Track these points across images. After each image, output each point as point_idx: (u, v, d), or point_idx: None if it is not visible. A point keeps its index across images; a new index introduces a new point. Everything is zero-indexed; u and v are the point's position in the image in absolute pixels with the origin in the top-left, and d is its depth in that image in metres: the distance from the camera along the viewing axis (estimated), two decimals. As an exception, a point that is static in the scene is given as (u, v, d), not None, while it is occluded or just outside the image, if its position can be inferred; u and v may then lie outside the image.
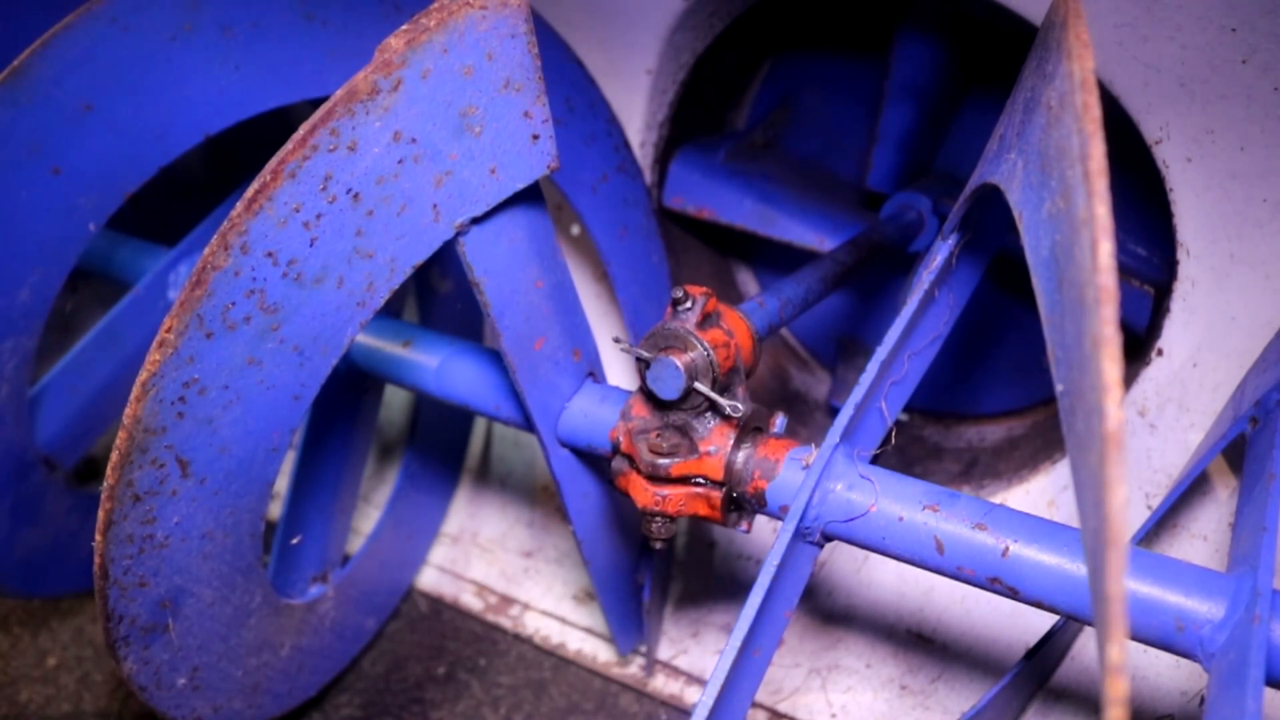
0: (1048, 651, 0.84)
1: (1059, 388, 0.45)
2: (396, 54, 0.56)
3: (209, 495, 0.65)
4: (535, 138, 0.65)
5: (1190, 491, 0.87)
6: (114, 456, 0.59)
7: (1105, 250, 0.39)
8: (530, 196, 0.69)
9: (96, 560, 0.61)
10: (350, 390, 0.97)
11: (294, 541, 0.95)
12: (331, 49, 0.82)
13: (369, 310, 0.65)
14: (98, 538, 0.61)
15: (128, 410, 0.58)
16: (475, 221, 0.65)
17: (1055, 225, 0.46)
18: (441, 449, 1.18)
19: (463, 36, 0.58)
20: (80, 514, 0.98)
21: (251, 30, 0.80)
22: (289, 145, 0.56)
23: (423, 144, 0.60)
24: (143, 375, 0.58)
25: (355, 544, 1.11)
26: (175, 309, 0.57)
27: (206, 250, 0.56)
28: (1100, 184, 0.41)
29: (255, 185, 0.56)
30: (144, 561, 0.63)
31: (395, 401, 1.23)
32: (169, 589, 0.66)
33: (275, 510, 1.01)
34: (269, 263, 0.58)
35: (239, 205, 0.56)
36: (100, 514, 0.60)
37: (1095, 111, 0.43)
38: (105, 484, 0.60)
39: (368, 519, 1.20)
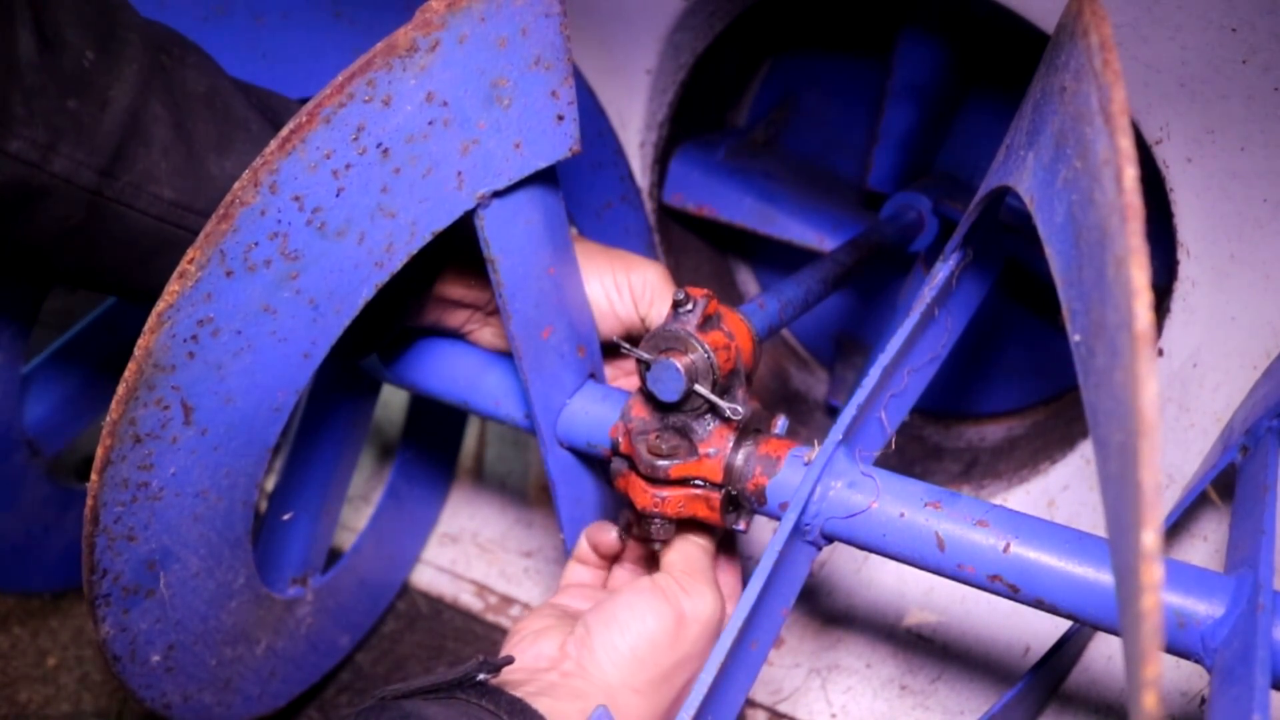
0: (1055, 663, 0.84)
1: (1075, 339, 0.45)
2: (437, 15, 0.57)
3: (209, 449, 0.65)
4: (560, 118, 0.66)
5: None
6: (120, 390, 0.58)
7: (1130, 175, 0.39)
8: (549, 179, 0.69)
9: (89, 503, 0.60)
10: (346, 390, 0.97)
11: (284, 517, 0.95)
12: (356, 48, 0.83)
13: (386, 272, 0.65)
14: (94, 477, 0.60)
15: (140, 341, 0.57)
16: (496, 195, 0.66)
17: (1071, 188, 0.46)
18: (426, 474, 1.18)
19: (500, 8, 0.59)
20: (56, 508, 0.98)
21: (281, 21, 0.82)
22: (327, 90, 0.56)
23: (453, 108, 0.61)
24: (160, 306, 0.57)
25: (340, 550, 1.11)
26: (200, 240, 0.57)
27: (236, 185, 0.56)
28: (1123, 121, 0.41)
29: (290, 125, 0.56)
30: (136, 511, 0.63)
31: (387, 415, 1.23)
32: (157, 548, 0.65)
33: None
34: (295, 206, 0.58)
35: (273, 144, 0.56)
36: (99, 451, 0.59)
37: (1116, 66, 0.43)
38: (108, 419, 0.59)
39: (352, 533, 1.19)
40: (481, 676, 0.62)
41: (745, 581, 0.63)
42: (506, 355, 0.82)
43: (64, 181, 0.58)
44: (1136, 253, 0.38)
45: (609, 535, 0.76)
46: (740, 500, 0.70)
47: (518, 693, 0.62)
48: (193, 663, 0.75)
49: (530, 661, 0.67)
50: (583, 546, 0.79)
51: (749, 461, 0.69)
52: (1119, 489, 0.38)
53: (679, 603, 0.68)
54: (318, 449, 0.97)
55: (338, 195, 0.60)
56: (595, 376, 0.81)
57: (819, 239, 1.16)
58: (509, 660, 0.65)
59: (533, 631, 0.70)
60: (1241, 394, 0.83)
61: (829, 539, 0.67)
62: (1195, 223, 0.84)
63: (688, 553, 0.72)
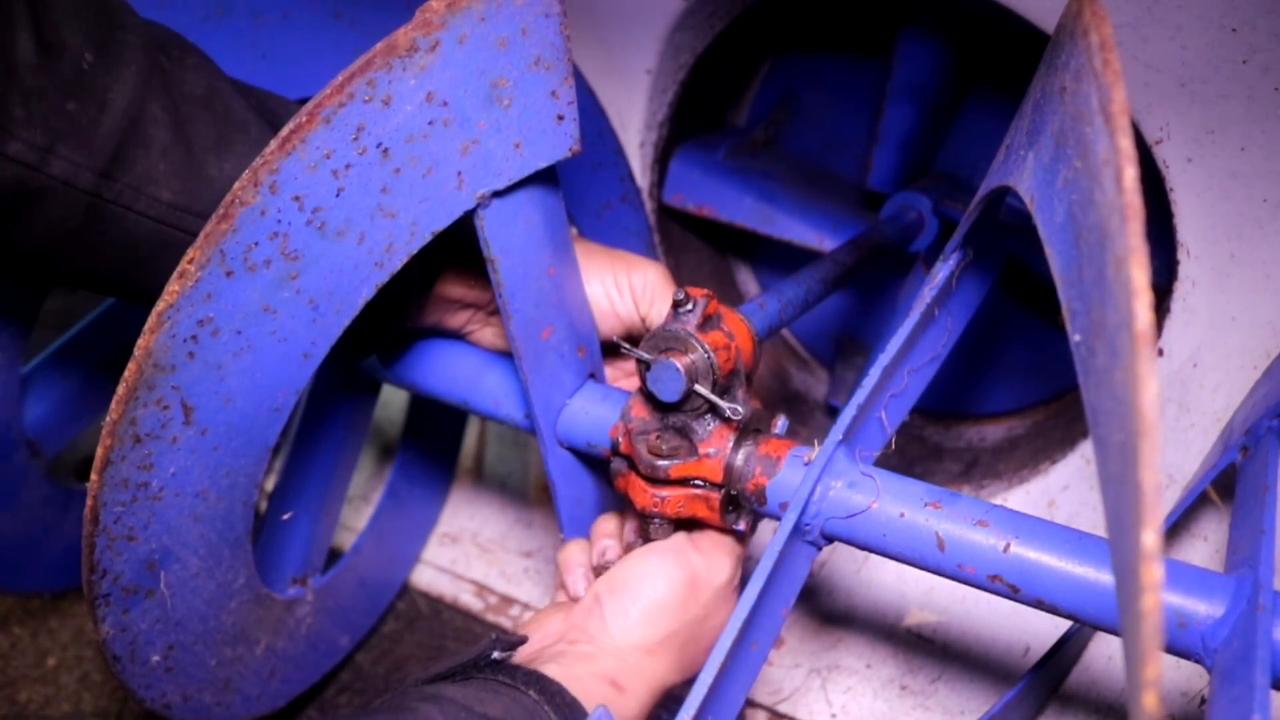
0: (1055, 663, 0.84)
1: (1075, 339, 0.45)
2: (436, 15, 0.57)
3: (208, 449, 0.65)
4: (560, 118, 0.66)
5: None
6: (120, 390, 0.58)
7: (1130, 175, 0.39)
8: (549, 179, 0.69)
9: (89, 503, 0.60)
10: (346, 390, 0.97)
11: (284, 517, 0.95)
12: (356, 48, 0.83)
13: (386, 272, 0.65)
14: (94, 477, 0.60)
15: (140, 341, 0.57)
16: (496, 195, 0.66)
17: (1071, 188, 0.46)
18: (426, 474, 1.18)
19: (500, 8, 0.60)
20: (56, 508, 0.98)
21: (282, 20, 0.82)
22: (327, 90, 0.56)
23: (453, 108, 0.61)
24: (160, 306, 0.57)
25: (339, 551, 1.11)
26: (200, 240, 0.57)
27: (236, 185, 0.56)
28: (1123, 121, 0.41)
29: (290, 125, 0.56)
30: (136, 511, 0.63)
31: (387, 415, 1.23)
32: (157, 548, 0.66)
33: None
34: (295, 206, 0.58)
35: (273, 143, 0.56)
36: (99, 451, 0.59)
37: (1116, 66, 0.43)
38: (108, 419, 0.59)
39: (352, 533, 1.19)
40: (496, 655, 0.63)
41: (745, 582, 0.63)
42: (507, 355, 0.82)
43: (62, 184, 0.58)
44: (1136, 253, 0.38)
45: (579, 592, 0.75)
46: (740, 500, 0.70)
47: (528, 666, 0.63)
48: (193, 663, 0.75)
49: (538, 642, 0.68)
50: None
51: (749, 461, 0.69)
52: (1119, 489, 0.38)
53: (690, 564, 0.68)
54: (318, 449, 0.97)
55: (338, 195, 0.60)
56: (595, 376, 0.81)
57: (819, 239, 1.16)
58: (523, 639, 0.66)
59: (537, 621, 0.71)
60: (1241, 394, 0.83)
61: (829, 539, 0.67)
62: (1195, 223, 0.83)
63: (718, 531, 0.73)
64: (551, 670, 0.62)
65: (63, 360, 1.00)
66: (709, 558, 0.70)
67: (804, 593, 1.03)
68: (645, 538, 0.73)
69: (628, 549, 0.76)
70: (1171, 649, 0.58)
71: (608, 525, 0.78)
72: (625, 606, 0.67)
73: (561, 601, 0.75)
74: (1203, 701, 0.85)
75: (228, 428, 0.65)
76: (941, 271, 0.73)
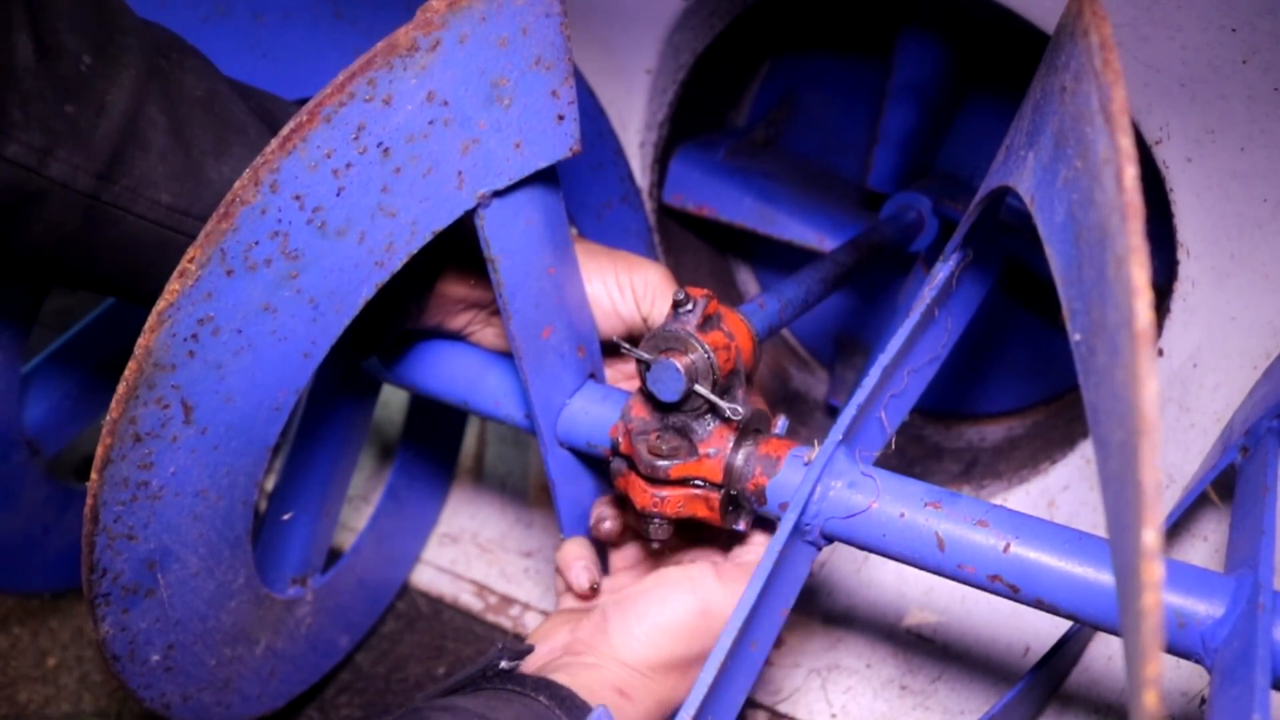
0: (1055, 663, 0.84)
1: (1075, 338, 0.45)
2: (437, 14, 0.57)
3: (208, 448, 0.65)
4: (560, 118, 0.66)
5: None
6: (120, 389, 0.58)
7: (1130, 174, 0.39)
8: (549, 179, 0.69)
9: (89, 502, 0.60)
10: (346, 390, 0.97)
11: (284, 517, 0.95)
12: (356, 48, 0.84)
13: (386, 272, 0.65)
14: (93, 476, 0.60)
15: (140, 340, 0.58)
16: (496, 195, 0.66)
17: (1072, 188, 0.46)
18: (426, 474, 1.18)
19: (501, 8, 0.60)
20: (56, 508, 0.98)
21: (282, 20, 0.82)
22: (327, 89, 0.56)
23: (454, 108, 0.61)
24: (160, 305, 0.57)
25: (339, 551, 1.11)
26: (200, 239, 0.57)
27: (237, 184, 0.56)
28: (1123, 120, 0.41)
29: (291, 124, 0.56)
30: (135, 511, 0.63)
31: (387, 415, 1.23)
32: (156, 547, 0.66)
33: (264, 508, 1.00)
34: (295, 205, 0.59)
35: (273, 142, 0.56)
36: (99, 450, 0.59)
37: (1116, 65, 0.43)
38: (109, 418, 0.59)
39: (352, 533, 1.19)
40: (504, 664, 0.63)
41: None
42: (507, 355, 0.82)
43: (61, 186, 0.58)
44: (1137, 251, 0.38)
45: (581, 583, 0.76)
46: (740, 500, 0.70)
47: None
48: (192, 663, 0.75)
49: (544, 655, 0.68)
50: (562, 579, 0.78)
51: (749, 461, 0.69)
52: (1119, 488, 0.38)
53: (705, 593, 0.68)
54: (318, 449, 0.97)
55: (338, 194, 0.60)
56: (595, 376, 0.81)
57: (819, 239, 1.16)
58: (530, 648, 0.66)
59: (544, 631, 0.71)
60: (1241, 394, 0.84)
61: (829, 539, 0.67)
62: (1195, 223, 0.83)
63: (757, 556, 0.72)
64: (560, 679, 0.63)
65: (63, 360, 1.00)
66: (730, 590, 0.69)
67: (804, 593, 1.03)
68: (645, 538, 0.73)
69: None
70: (1171, 649, 0.58)
71: (576, 549, 0.78)
72: (630, 624, 0.67)
73: (566, 609, 0.75)
74: (1203, 701, 0.85)
75: (228, 427, 0.65)
76: (941, 271, 0.73)
